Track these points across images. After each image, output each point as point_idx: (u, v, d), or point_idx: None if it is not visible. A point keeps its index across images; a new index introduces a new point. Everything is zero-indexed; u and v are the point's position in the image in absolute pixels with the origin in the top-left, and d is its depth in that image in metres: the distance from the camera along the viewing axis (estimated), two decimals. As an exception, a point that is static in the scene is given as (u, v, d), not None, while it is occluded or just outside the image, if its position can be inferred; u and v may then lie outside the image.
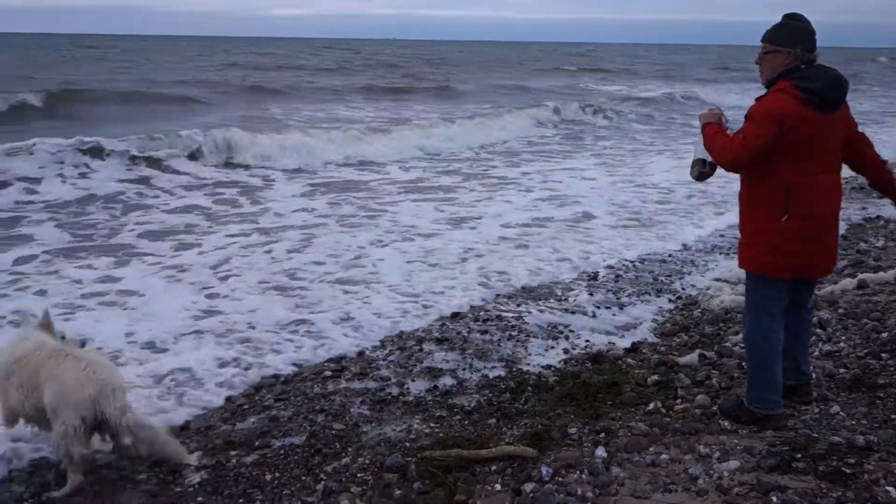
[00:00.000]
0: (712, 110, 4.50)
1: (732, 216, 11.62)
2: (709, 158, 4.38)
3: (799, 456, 3.94)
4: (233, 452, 4.63)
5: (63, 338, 4.74)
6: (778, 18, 4.25)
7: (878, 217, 10.98)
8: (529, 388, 5.44)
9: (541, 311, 7.38)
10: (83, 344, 4.89)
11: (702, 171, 4.49)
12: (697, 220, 11.69)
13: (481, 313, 7.33)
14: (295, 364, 6.11)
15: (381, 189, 13.91)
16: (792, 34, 4.16)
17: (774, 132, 4.03)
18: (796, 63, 4.14)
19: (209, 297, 7.68)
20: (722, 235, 10.64)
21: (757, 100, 4.24)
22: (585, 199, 13.12)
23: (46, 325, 4.73)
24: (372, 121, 23.47)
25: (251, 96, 29.33)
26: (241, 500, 4.11)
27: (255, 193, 13.28)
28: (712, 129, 4.35)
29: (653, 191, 13.96)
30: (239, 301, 7.58)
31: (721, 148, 4.25)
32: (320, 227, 10.73)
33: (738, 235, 4.49)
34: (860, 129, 4.42)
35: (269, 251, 9.44)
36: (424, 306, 7.52)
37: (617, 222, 11.45)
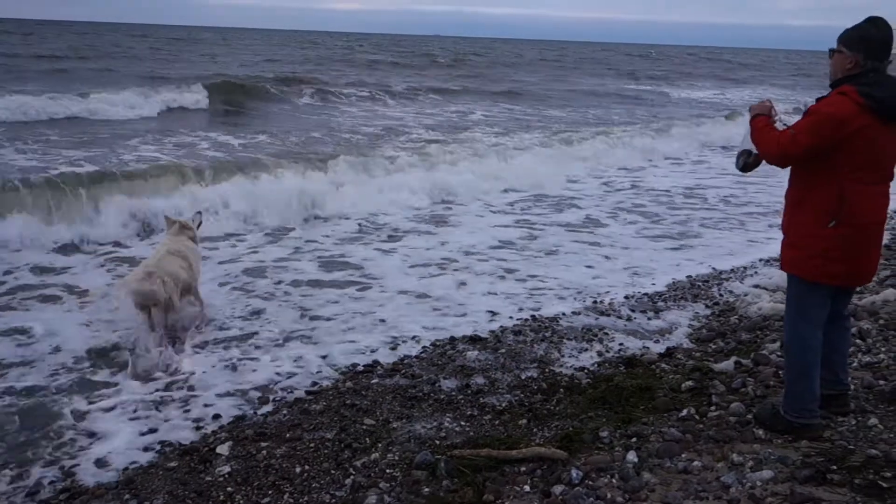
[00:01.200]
0: (763, 102, 4.41)
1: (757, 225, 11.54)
2: (755, 150, 4.32)
3: (834, 468, 3.87)
4: (263, 444, 4.67)
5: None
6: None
7: (924, 227, 10.73)
8: (561, 389, 5.42)
9: (575, 313, 7.34)
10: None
11: (746, 162, 4.42)
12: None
13: (515, 314, 7.32)
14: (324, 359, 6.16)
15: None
16: (859, 39, 4.04)
17: (828, 136, 3.94)
18: (858, 69, 4.04)
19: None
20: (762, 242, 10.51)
21: (818, 99, 4.16)
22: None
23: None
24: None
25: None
26: (270, 492, 4.14)
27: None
28: (761, 121, 4.27)
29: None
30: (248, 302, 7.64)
31: (769, 142, 4.16)
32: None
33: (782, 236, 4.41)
34: None
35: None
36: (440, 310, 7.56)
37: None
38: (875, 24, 4.03)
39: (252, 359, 6.19)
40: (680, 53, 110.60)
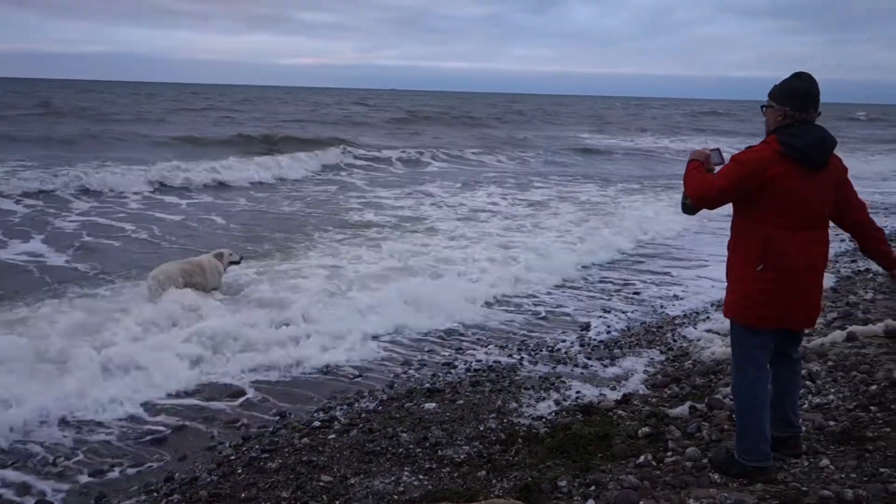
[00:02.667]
0: (706, 148, 4.57)
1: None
2: None
3: (788, 510, 3.92)
4: (218, 505, 4.58)
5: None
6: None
7: (867, 270, 11.03)
8: (520, 439, 5.41)
9: (532, 362, 7.37)
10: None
11: (684, 203, 4.55)
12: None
13: (472, 363, 7.33)
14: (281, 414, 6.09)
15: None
16: (785, 92, 4.22)
17: (742, 181, 4.11)
18: (788, 121, 4.20)
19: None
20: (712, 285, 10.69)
21: (747, 148, 4.31)
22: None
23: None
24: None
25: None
26: (225, 554, 4.06)
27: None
28: (693, 165, 4.46)
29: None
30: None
31: (691, 184, 4.37)
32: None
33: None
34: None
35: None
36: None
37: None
38: (799, 78, 4.23)
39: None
40: (644, 103, 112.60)
